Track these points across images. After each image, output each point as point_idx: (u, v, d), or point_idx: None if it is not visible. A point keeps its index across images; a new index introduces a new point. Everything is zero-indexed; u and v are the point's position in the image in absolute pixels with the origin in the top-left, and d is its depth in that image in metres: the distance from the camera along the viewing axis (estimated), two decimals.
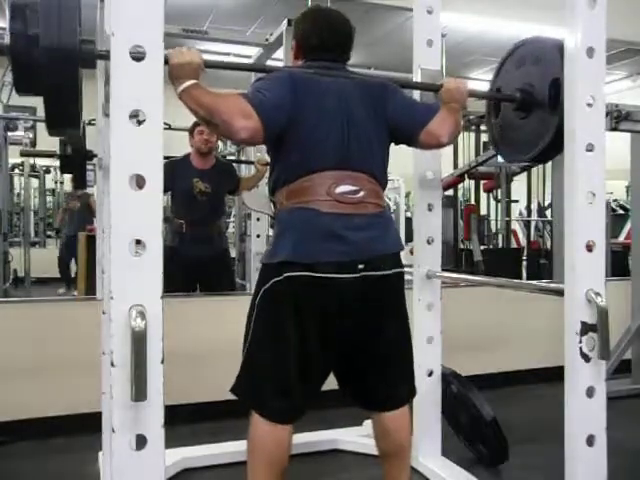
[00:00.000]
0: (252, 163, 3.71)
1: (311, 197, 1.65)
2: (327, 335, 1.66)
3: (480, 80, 7.53)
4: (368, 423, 2.51)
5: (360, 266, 1.64)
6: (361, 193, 1.69)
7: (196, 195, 3.38)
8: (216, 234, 3.59)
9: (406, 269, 1.82)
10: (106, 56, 1.38)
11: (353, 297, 1.66)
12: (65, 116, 1.37)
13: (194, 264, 3.38)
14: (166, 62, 1.46)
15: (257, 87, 1.68)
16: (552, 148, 1.90)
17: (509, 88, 2.06)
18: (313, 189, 1.66)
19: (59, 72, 1.29)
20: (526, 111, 2.00)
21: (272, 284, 1.64)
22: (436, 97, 1.99)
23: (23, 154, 5.31)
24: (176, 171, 3.24)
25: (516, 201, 6.41)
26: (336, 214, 1.65)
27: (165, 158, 1.31)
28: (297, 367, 1.64)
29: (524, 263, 5.80)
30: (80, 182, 3.41)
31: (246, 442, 1.70)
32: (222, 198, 3.63)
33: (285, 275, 1.62)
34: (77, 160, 3.17)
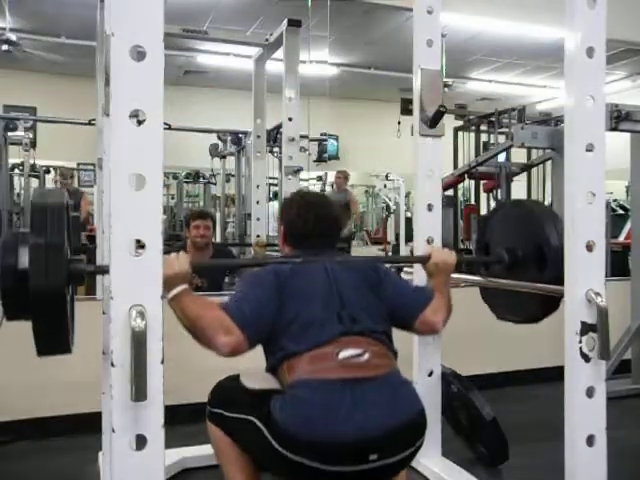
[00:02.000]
0: (250, 245, 3.65)
1: (313, 367, 1.59)
2: None
3: (480, 80, 7.54)
4: None
5: (372, 457, 1.51)
6: (366, 355, 1.63)
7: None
8: None
9: (407, 269, 1.83)
10: (105, 270, 1.39)
11: None
12: (54, 344, 1.44)
13: None
14: None
15: (240, 294, 1.70)
16: (542, 311, 2.03)
17: (497, 245, 2.17)
18: (315, 360, 1.60)
19: (47, 308, 1.35)
20: (514, 271, 2.07)
21: (269, 441, 1.55)
22: (424, 268, 2.00)
23: None
24: None
25: None
26: (342, 380, 1.56)
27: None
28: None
29: None
30: None
31: (211, 446, 1.73)
32: (220, 287, 3.56)
33: (284, 453, 1.52)
34: None
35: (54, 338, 1.42)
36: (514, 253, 2.07)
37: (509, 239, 2.13)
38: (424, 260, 1.99)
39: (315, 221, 1.85)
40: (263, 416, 1.58)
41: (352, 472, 1.52)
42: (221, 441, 1.71)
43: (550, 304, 1.97)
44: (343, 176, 6.73)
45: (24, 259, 1.35)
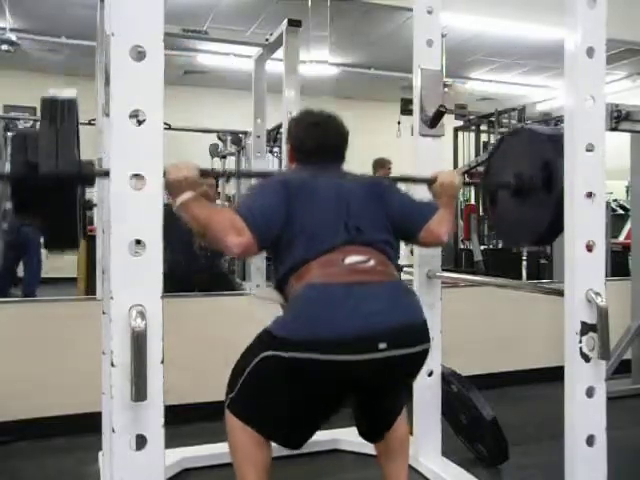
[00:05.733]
0: None
1: (322, 272, 1.60)
2: (333, 407, 1.66)
3: (481, 80, 7.55)
4: None
5: (381, 345, 1.51)
6: (371, 262, 1.65)
7: (195, 249, 3.36)
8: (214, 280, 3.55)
9: (406, 269, 1.83)
10: (106, 174, 1.40)
11: (369, 380, 1.60)
12: (64, 239, 1.43)
13: None
14: (164, 176, 1.43)
15: (250, 199, 1.72)
16: (552, 231, 1.93)
17: (502, 178, 2.11)
18: (322, 266, 1.62)
19: (58, 199, 1.35)
20: (522, 196, 2.03)
21: (278, 358, 1.55)
22: (430, 190, 2.00)
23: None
24: (175, 223, 3.21)
25: None
26: (349, 283, 1.58)
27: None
28: (295, 424, 1.66)
29: (524, 263, 5.79)
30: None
31: (227, 443, 1.71)
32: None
33: (294, 355, 1.52)
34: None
35: (65, 233, 1.41)
36: (520, 178, 2.01)
37: (515, 165, 2.07)
38: (430, 181, 2.00)
39: (322, 136, 1.86)
40: (267, 342, 1.59)
41: (363, 361, 1.50)
42: (239, 432, 1.66)
43: (558, 227, 1.90)
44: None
45: (35, 150, 1.33)
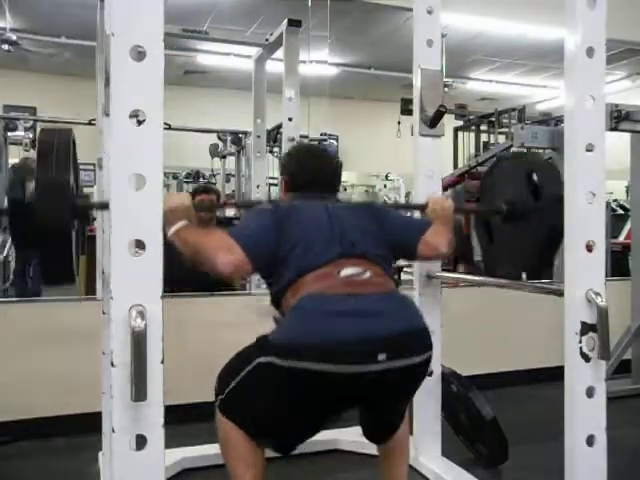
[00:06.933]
0: None
1: (317, 285, 1.60)
2: (327, 417, 1.67)
3: (481, 80, 7.55)
4: None
5: (381, 357, 1.48)
6: (367, 274, 1.65)
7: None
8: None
9: (406, 269, 1.83)
10: (103, 206, 1.43)
11: (367, 394, 1.59)
12: (60, 274, 1.46)
13: None
14: None
15: (240, 224, 1.76)
16: (549, 248, 2.02)
17: (495, 198, 2.19)
18: (318, 279, 1.61)
19: (53, 235, 1.37)
20: (514, 220, 2.09)
21: (274, 366, 1.54)
22: (423, 216, 2.05)
23: None
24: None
25: None
26: (346, 294, 1.57)
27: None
28: (286, 431, 1.66)
29: None
30: None
31: (218, 444, 1.72)
32: None
33: (291, 365, 1.50)
34: None
35: (59, 269, 1.44)
36: (511, 202, 2.07)
37: (508, 191, 2.13)
38: (422, 207, 2.06)
39: (315, 169, 1.90)
40: (264, 348, 1.58)
41: (362, 373, 1.48)
42: (231, 433, 1.67)
43: (555, 244, 1.95)
44: None
45: (31, 193, 1.36)
